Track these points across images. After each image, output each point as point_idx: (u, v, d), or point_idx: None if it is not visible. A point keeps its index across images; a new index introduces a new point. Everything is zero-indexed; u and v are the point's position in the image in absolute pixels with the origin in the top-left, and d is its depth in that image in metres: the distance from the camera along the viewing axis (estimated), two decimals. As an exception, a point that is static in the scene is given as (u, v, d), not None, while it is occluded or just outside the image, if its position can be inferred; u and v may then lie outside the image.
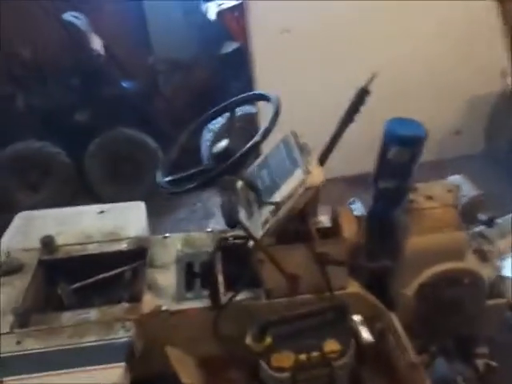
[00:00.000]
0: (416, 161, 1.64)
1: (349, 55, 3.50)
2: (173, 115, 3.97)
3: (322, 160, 2.09)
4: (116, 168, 3.85)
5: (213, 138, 3.58)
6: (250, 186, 1.78)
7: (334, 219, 1.83)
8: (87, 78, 3.78)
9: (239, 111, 3.65)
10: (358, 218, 1.85)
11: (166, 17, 3.93)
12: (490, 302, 1.91)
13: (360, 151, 3.70)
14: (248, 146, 1.62)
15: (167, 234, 2.15)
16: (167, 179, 1.75)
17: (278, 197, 1.73)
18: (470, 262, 1.82)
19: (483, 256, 1.92)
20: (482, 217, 1.92)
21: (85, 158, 3.81)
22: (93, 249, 2.10)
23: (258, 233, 1.70)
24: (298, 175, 1.70)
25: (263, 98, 1.80)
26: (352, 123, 2.08)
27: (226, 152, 1.70)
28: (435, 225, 1.77)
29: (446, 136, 3.92)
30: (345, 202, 3.58)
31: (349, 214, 1.83)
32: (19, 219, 2.32)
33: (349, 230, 1.78)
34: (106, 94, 3.80)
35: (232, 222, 1.55)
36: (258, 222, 1.74)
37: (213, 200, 3.78)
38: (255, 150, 1.66)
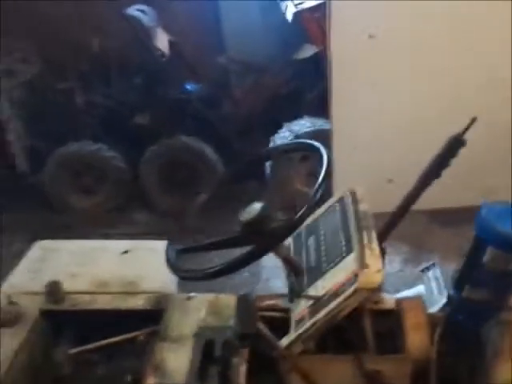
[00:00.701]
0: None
1: (445, 69, 2.92)
2: (239, 123, 3.58)
3: (384, 235, 1.60)
4: (172, 178, 3.54)
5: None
6: (290, 265, 1.35)
7: (398, 320, 1.35)
8: (150, 79, 3.49)
9: (310, 127, 3.21)
10: (432, 319, 1.35)
11: (241, 15, 3.53)
12: None
13: (447, 181, 3.14)
14: (284, 226, 1.19)
15: (192, 294, 1.77)
16: (180, 248, 1.36)
17: (320, 286, 1.29)
18: None
19: None
20: None
21: (140, 164, 3.52)
22: (104, 302, 1.77)
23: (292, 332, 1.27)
24: (350, 264, 1.25)
25: (310, 148, 1.34)
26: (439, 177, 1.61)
27: (257, 222, 1.27)
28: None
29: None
30: (424, 240, 3.05)
31: (420, 315, 1.34)
32: (36, 250, 2.04)
33: (418, 343, 1.29)
34: (168, 97, 3.48)
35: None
36: (295, 314, 1.31)
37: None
38: (296, 227, 1.22)
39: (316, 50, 3.28)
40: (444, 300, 1.77)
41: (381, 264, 1.21)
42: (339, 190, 1.48)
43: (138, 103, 3.54)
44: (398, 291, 1.62)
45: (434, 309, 1.71)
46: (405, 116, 3.07)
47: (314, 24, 3.17)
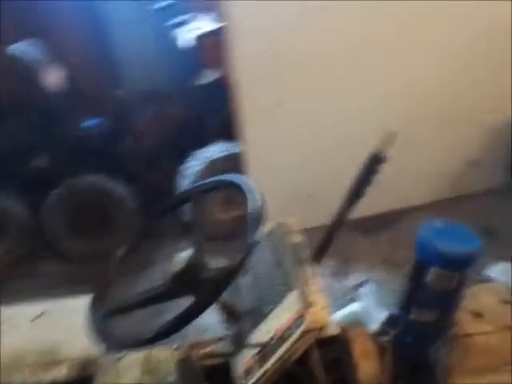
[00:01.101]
0: (465, 285, 1.11)
1: (353, 84, 2.99)
2: (145, 155, 3.43)
3: (319, 255, 1.57)
4: (80, 221, 3.30)
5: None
6: (227, 311, 1.26)
7: (344, 349, 1.30)
8: (44, 117, 3.24)
9: (222, 152, 3.15)
10: (378, 344, 1.32)
11: (135, 43, 3.38)
12: None
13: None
14: (223, 273, 1.09)
15: (122, 353, 1.61)
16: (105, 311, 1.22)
17: (264, 331, 1.20)
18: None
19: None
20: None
21: (43, 210, 3.26)
22: (22, 377, 1.57)
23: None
24: (292, 303, 1.18)
25: (236, 187, 1.25)
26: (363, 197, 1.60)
27: (189, 272, 1.17)
28: (490, 361, 1.25)
29: (463, 168, 3.41)
30: (348, 250, 3.08)
31: (367, 342, 1.30)
32: None
33: (368, 371, 1.25)
34: (67, 135, 3.26)
35: None
36: (240, 365, 1.21)
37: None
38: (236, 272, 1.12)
39: (217, 75, 3.23)
40: (383, 315, 1.76)
41: (326, 300, 1.15)
42: (268, 222, 1.41)
43: (34, 144, 3.28)
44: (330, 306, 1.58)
45: (374, 325, 1.69)
46: (317, 132, 3.09)
47: (213, 48, 3.11)
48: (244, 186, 1.19)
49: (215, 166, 3.10)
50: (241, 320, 1.27)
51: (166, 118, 3.43)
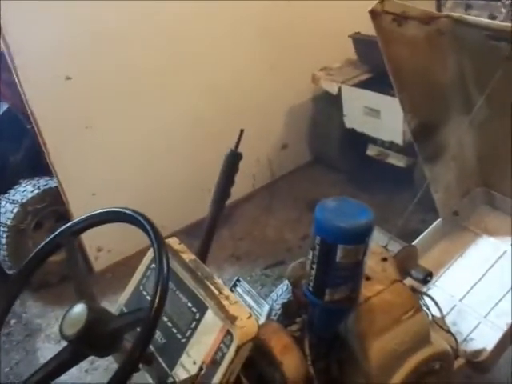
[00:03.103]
0: (367, 251, 1.17)
1: (151, 95, 2.92)
2: None
3: (203, 255, 1.55)
4: None
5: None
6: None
7: (263, 349, 1.26)
8: None
9: (34, 190, 2.82)
10: (295, 338, 1.32)
11: None
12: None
13: (192, 196, 3.22)
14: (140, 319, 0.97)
15: None
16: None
17: (188, 363, 1.11)
18: (434, 341, 1.44)
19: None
20: (418, 274, 1.55)
21: None
22: None
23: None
24: (212, 323, 1.10)
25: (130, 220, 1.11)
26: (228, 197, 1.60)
27: (91, 330, 1.00)
28: (392, 316, 1.34)
29: (274, 152, 3.62)
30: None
31: (283, 337, 1.29)
32: None
33: (293, 365, 1.24)
34: None
35: None
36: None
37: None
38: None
39: (7, 106, 2.87)
40: (266, 308, 1.78)
41: (247, 309, 1.10)
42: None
43: None
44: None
45: (261, 320, 1.70)
46: (131, 150, 2.96)
47: (-5, 79, 2.75)
48: (139, 218, 1.07)
49: (31, 208, 2.77)
50: (153, 362, 1.14)
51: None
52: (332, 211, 1.13)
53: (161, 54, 2.88)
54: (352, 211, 1.14)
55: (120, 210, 1.11)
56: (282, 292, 1.90)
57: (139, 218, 1.06)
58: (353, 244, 1.10)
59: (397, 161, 3.27)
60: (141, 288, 1.30)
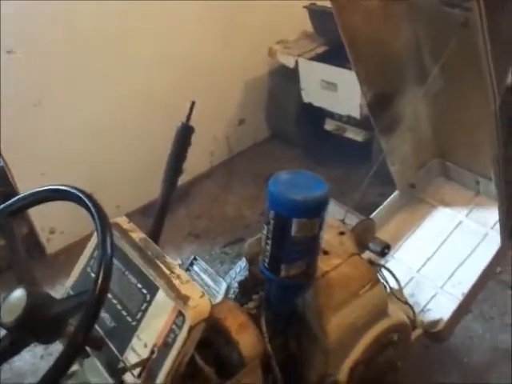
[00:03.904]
0: (323, 225, 1.13)
1: (101, 68, 2.80)
2: None
3: (156, 235, 1.49)
4: None
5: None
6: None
7: (218, 328, 1.23)
8: None
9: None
10: (251, 316, 1.28)
11: None
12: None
13: (147, 175, 3.12)
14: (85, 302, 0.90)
15: None
16: None
17: (140, 346, 1.06)
18: (392, 312, 1.43)
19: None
20: (376, 247, 1.53)
21: None
22: None
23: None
24: (163, 304, 1.05)
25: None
26: (181, 174, 1.54)
27: (34, 314, 0.93)
28: (350, 289, 1.32)
29: (231, 129, 3.55)
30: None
31: (238, 315, 1.25)
32: None
33: (249, 343, 1.21)
34: None
35: None
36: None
37: None
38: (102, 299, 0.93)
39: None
40: (223, 286, 1.74)
41: (199, 288, 1.06)
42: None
43: None
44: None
45: (219, 299, 1.66)
46: (83, 127, 2.84)
47: None
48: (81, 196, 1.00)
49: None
50: (102, 346, 1.09)
51: None
52: (286, 184, 1.09)
53: (111, 26, 2.75)
54: (306, 184, 1.10)
55: (59, 187, 1.04)
56: (240, 269, 1.86)
57: (79, 194, 0.99)
58: (308, 217, 1.07)
59: (354, 135, 3.26)
60: (88, 270, 1.24)
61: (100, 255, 0.91)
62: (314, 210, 1.08)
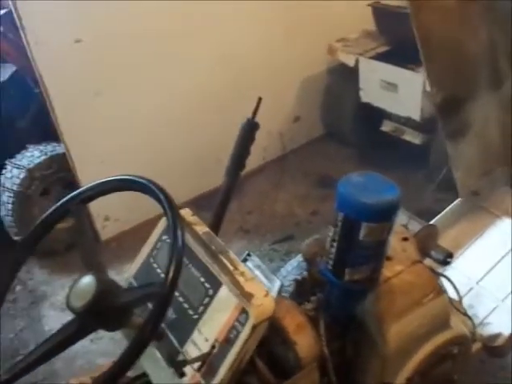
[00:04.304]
0: (392, 230, 1.10)
1: (163, 63, 2.83)
2: None
3: (216, 227, 1.49)
4: None
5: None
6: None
7: (277, 328, 1.21)
8: None
9: (41, 156, 2.76)
10: (309, 317, 1.26)
11: None
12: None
13: (201, 167, 3.15)
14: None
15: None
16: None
17: (200, 340, 1.06)
18: (454, 324, 1.38)
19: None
20: (438, 255, 1.48)
21: None
22: None
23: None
24: (226, 300, 1.05)
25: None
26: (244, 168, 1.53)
27: (101, 302, 0.95)
28: (412, 297, 1.28)
29: (286, 125, 3.53)
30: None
31: (297, 316, 1.23)
32: None
33: (306, 345, 1.19)
34: None
35: None
36: None
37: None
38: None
39: (14, 69, 2.79)
40: (277, 284, 1.73)
41: (263, 286, 1.05)
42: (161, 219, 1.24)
43: None
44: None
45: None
46: (141, 119, 2.88)
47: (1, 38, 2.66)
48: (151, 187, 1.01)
49: (37, 173, 2.71)
50: (163, 337, 1.09)
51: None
52: (356, 186, 1.06)
53: (175, 22, 2.78)
54: (377, 187, 1.07)
55: (133, 178, 1.05)
56: (292, 268, 1.84)
57: (153, 187, 1.00)
58: (378, 222, 1.04)
59: (412, 138, 3.18)
60: (151, 260, 1.25)
61: (171, 248, 0.91)
62: (385, 215, 1.05)
